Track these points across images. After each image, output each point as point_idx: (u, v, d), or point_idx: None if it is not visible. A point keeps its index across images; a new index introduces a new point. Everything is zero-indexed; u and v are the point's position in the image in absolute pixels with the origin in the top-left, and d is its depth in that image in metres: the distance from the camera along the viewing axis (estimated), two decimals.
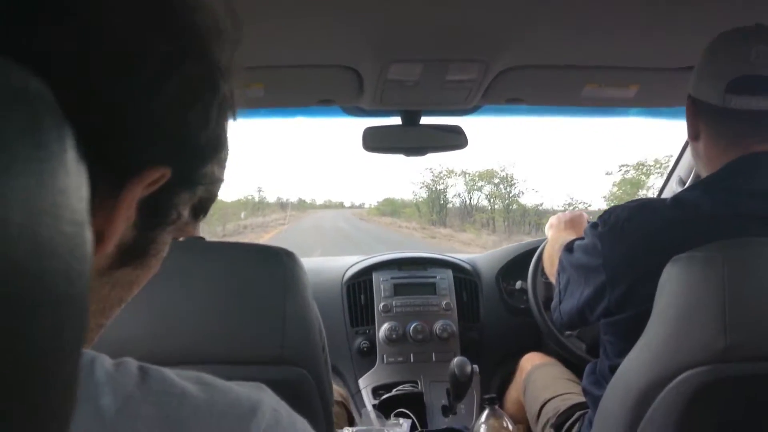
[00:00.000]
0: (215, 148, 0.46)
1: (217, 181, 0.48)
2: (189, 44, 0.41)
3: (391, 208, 58.55)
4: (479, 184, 43.08)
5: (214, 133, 0.44)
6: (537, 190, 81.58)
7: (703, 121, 1.12)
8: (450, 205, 44.89)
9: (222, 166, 0.49)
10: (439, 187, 45.32)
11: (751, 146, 1.07)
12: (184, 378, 0.40)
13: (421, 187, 47.74)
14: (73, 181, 0.26)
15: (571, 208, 24.95)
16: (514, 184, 40.63)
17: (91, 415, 0.35)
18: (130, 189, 0.39)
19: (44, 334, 0.24)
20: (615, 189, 28.40)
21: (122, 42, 0.37)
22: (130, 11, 0.38)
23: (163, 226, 0.45)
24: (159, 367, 0.40)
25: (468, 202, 43.80)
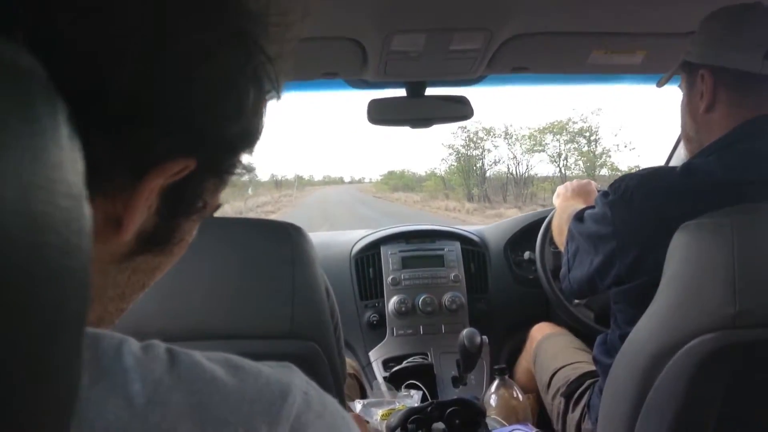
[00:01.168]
0: (248, 139, 0.44)
1: (249, 170, 0.46)
2: (225, 31, 0.38)
3: (401, 182, 54.17)
4: (545, 140, 32.76)
5: (249, 125, 0.43)
6: (633, 147, 52.83)
7: (727, 90, 1.12)
8: (489, 174, 36.89)
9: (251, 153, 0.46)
10: (473, 153, 37.08)
11: None
12: (213, 361, 0.39)
13: (450, 154, 40.17)
14: (67, 156, 0.25)
15: None
16: (598, 139, 31.42)
17: (121, 403, 0.34)
18: (151, 179, 0.38)
19: (44, 308, 0.24)
20: None
21: (148, 27, 0.35)
22: None
23: (188, 215, 0.44)
24: (187, 350, 0.39)
25: (517, 169, 34.74)
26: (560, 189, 1.72)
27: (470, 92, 1.74)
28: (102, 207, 0.38)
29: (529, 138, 34.72)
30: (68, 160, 0.26)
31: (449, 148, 37.88)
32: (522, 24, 1.36)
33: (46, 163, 0.24)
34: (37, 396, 0.24)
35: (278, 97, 0.45)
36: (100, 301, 0.43)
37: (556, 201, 1.72)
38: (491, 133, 36.08)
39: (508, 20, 1.32)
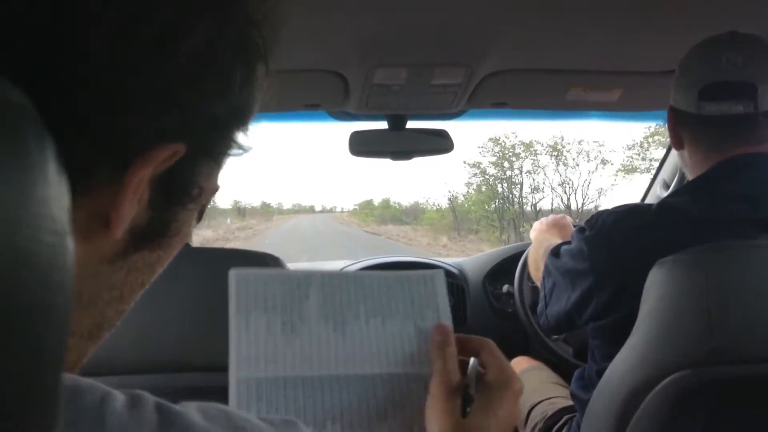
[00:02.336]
0: (239, 115, 0.40)
1: (243, 148, 0.42)
2: (199, 1, 0.34)
3: (387, 212, 48.23)
4: (650, 155, 21.00)
5: (239, 98, 0.39)
6: None
7: (683, 130, 1.15)
8: (535, 205, 24.46)
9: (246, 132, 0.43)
10: (509, 173, 25.50)
11: (731, 150, 1.08)
12: (210, 420, 0.35)
13: (473, 176, 28.70)
14: (54, 191, 0.25)
15: None
16: None
17: None
18: (137, 169, 0.34)
19: (22, 345, 0.24)
20: None
21: (115, 5, 0.31)
22: None
23: (183, 204, 0.40)
24: (181, 409, 0.35)
25: (574, 198, 23.30)
26: (536, 224, 1.74)
27: (451, 126, 1.76)
28: (86, 205, 0.34)
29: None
30: (55, 196, 0.25)
31: (473, 167, 26.59)
32: (502, 61, 1.38)
33: (33, 198, 0.24)
34: None
35: (267, 69, 0.41)
36: (95, 306, 0.40)
37: (533, 235, 1.73)
38: (531, 150, 25.42)
39: (488, 57, 1.34)
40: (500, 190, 26.04)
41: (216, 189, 0.44)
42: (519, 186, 25.57)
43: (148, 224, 0.39)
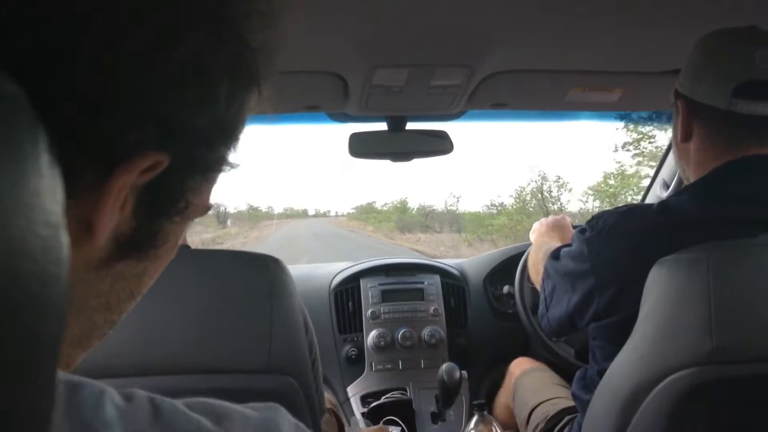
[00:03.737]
0: (224, 132, 0.40)
1: (232, 165, 0.43)
2: (198, 12, 0.35)
3: (407, 217, 38.66)
4: None
5: (225, 114, 0.39)
6: None
7: (700, 123, 1.12)
8: None
9: (235, 150, 0.43)
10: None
11: (748, 150, 1.07)
12: (196, 410, 0.37)
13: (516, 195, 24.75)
14: (47, 183, 0.25)
15: None
16: None
17: None
18: (118, 177, 0.35)
19: (18, 337, 0.24)
20: None
21: (108, 7, 0.32)
22: None
23: (168, 216, 0.41)
24: (170, 400, 0.37)
25: None
26: (536, 225, 1.73)
27: (450, 127, 1.76)
28: (71, 210, 0.34)
29: None
30: (48, 188, 0.25)
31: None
32: (501, 61, 1.38)
33: (26, 189, 0.24)
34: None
35: (259, 91, 0.42)
36: (83, 312, 0.40)
37: (532, 237, 1.72)
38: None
39: (488, 58, 1.34)
40: None
41: (208, 207, 0.44)
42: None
43: (133, 234, 0.39)
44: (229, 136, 0.41)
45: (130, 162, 0.35)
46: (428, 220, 37.54)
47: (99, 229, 0.36)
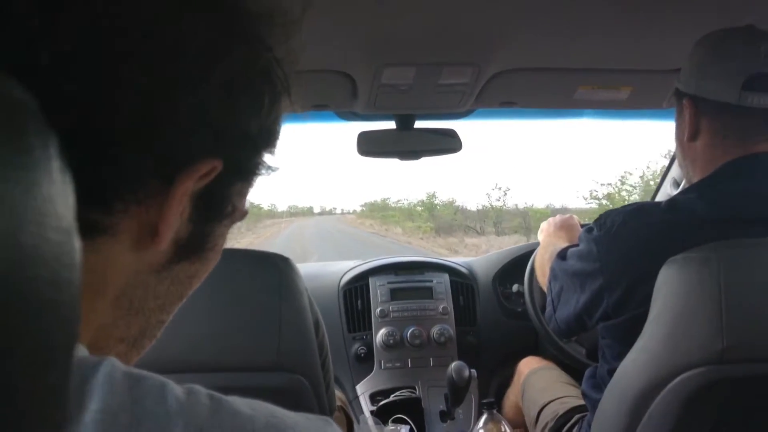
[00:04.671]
0: (268, 137, 0.44)
1: (272, 169, 0.47)
2: (236, 29, 0.40)
3: (446, 215, 32.54)
4: None
5: (267, 120, 0.43)
6: None
7: (708, 120, 1.11)
8: None
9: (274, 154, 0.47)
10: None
11: (757, 145, 1.07)
12: (255, 410, 0.38)
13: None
14: (59, 189, 0.25)
15: None
16: None
17: None
18: (181, 183, 0.39)
19: (32, 342, 0.24)
20: None
21: (161, 33, 0.36)
22: None
23: (219, 219, 0.45)
24: (230, 398, 0.38)
25: None
26: (544, 224, 1.73)
27: (459, 125, 1.76)
28: (137, 216, 0.39)
29: None
30: (59, 194, 0.25)
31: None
32: (510, 59, 1.38)
33: (38, 196, 0.24)
34: None
35: (289, 96, 0.46)
36: (141, 314, 0.44)
37: (540, 237, 1.72)
38: None
39: (496, 56, 1.34)
40: None
41: (245, 212, 0.48)
42: None
43: (189, 237, 0.43)
44: (271, 140, 0.45)
45: (191, 168, 0.39)
46: (467, 220, 32.00)
47: (164, 233, 0.40)
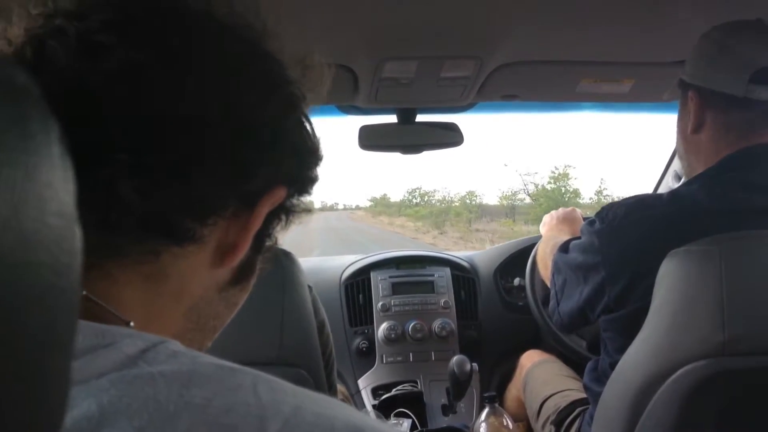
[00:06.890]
0: (317, 157, 0.51)
1: (308, 209, 0.52)
2: (279, 73, 0.48)
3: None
4: None
5: (313, 143, 0.50)
6: None
7: (714, 112, 1.11)
8: None
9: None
10: None
11: (762, 137, 1.07)
12: (334, 409, 0.39)
13: None
14: (59, 175, 0.25)
15: None
16: None
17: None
18: (262, 206, 0.45)
19: (32, 327, 0.24)
20: None
21: (260, 114, 0.45)
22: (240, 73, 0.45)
23: (262, 251, 0.49)
24: (316, 394, 0.40)
25: None
26: (546, 217, 1.72)
27: (460, 119, 1.75)
28: (219, 233, 0.44)
29: None
30: (60, 179, 0.25)
31: None
32: (511, 52, 1.38)
33: (39, 181, 0.24)
34: (20, 420, 0.24)
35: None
36: (202, 332, 0.48)
37: (543, 230, 1.71)
38: None
39: (498, 49, 1.33)
40: None
41: (272, 249, 0.53)
42: None
43: (245, 262, 0.47)
44: (318, 159, 0.51)
45: (271, 193, 0.45)
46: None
47: (240, 249, 0.45)
